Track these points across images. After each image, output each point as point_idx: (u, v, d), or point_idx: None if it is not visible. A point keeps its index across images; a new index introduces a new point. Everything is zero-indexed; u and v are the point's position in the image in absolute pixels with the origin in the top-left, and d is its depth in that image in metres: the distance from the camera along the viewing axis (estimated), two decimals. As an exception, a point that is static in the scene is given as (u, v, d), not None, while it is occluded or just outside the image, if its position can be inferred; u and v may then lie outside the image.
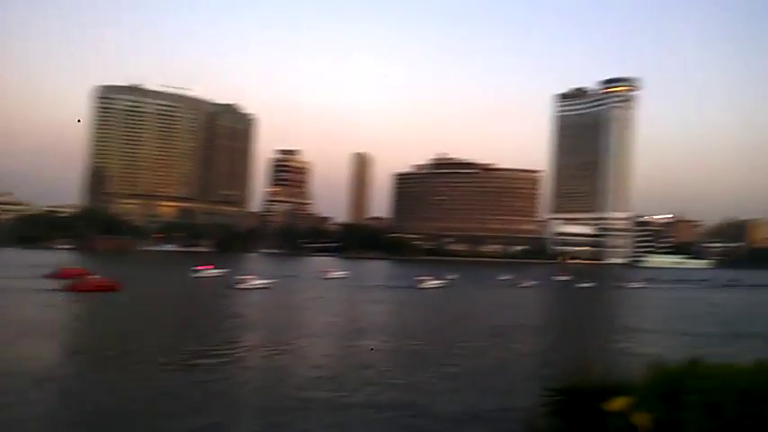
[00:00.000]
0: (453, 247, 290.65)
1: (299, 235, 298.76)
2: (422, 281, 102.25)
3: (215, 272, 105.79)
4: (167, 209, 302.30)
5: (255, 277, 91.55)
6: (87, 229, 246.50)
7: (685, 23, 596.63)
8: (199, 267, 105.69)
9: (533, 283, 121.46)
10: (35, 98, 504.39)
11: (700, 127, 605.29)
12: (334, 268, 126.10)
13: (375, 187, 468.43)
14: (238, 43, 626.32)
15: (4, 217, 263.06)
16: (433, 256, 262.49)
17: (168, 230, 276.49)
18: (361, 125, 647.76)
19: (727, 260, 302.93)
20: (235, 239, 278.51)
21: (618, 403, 2.38)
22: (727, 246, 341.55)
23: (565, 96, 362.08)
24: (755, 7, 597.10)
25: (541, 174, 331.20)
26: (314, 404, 27.26)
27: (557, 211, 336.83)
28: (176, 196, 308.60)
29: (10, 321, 49.03)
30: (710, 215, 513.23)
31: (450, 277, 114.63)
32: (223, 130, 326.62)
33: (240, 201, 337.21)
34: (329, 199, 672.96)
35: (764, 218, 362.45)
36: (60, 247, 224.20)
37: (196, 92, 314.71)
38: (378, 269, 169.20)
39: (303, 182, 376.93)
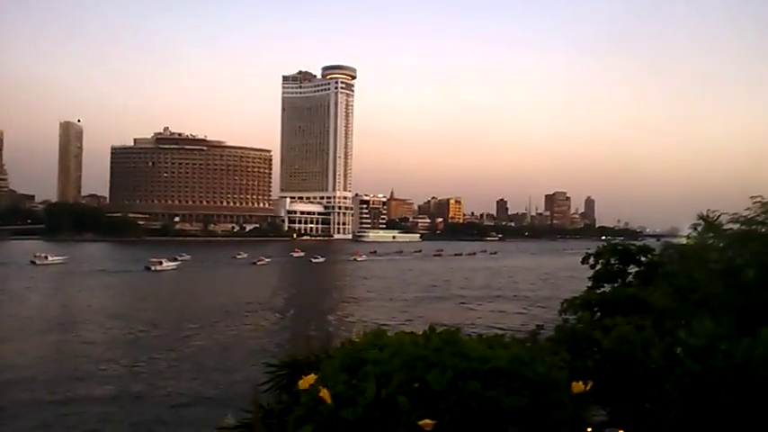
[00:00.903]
0: (183, 226, 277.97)
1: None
2: (154, 263, 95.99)
3: None
4: None
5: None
6: None
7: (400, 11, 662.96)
8: None
9: (269, 260, 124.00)
10: None
11: (411, 114, 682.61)
12: (48, 252, 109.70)
13: (90, 162, 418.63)
14: None
15: None
16: (161, 236, 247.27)
17: None
18: (69, 93, 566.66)
19: (432, 233, 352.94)
20: None
21: (307, 380, 2.75)
22: (431, 221, 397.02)
23: (291, 79, 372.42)
24: None
25: (272, 153, 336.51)
26: (11, 407, 24.30)
27: (288, 190, 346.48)
28: None
29: None
30: (419, 195, 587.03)
31: (184, 258, 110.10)
32: None
33: None
34: (32, 175, 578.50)
35: (458, 197, 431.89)
36: None
37: None
38: (99, 253, 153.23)
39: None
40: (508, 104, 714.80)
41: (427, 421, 2.37)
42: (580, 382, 2.90)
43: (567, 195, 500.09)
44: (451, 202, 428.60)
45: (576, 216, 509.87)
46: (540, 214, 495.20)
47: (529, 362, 2.80)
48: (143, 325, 44.57)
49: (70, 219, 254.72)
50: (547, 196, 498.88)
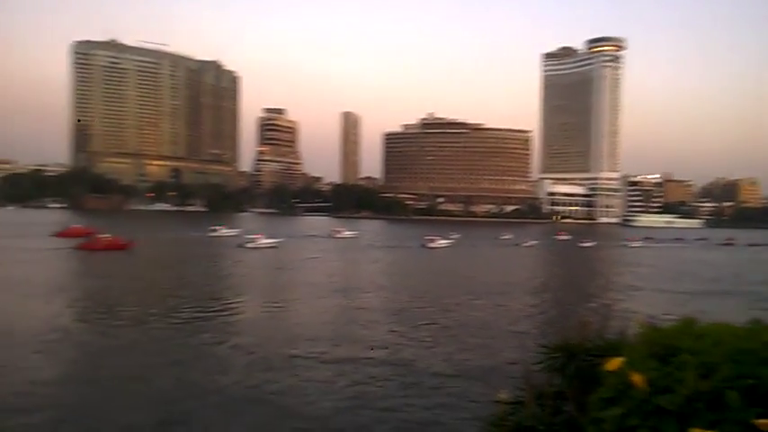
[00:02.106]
0: (445, 206, 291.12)
1: (291, 194, 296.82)
2: (429, 240, 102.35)
3: (227, 231, 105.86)
4: (156, 168, 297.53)
5: (263, 236, 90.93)
6: (76, 188, 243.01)
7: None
8: (214, 227, 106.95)
9: (534, 242, 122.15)
10: (16, 56, 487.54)
11: (688, 87, 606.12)
12: (342, 228, 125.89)
13: (365, 147, 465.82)
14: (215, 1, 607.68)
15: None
16: (426, 215, 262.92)
17: (159, 190, 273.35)
18: (349, 85, 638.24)
19: (717, 220, 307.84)
20: (226, 199, 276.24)
21: (614, 363, 2.46)
22: (716, 205, 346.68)
23: (552, 56, 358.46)
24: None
25: (532, 134, 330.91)
26: (300, 359, 26.90)
27: (548, 171, 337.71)
28: (165, 155, 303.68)
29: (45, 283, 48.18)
30: (699, 176, 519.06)
31: (453, 236, 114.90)
32: (207, 88, 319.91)
33: (229, 160, 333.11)
34: (319, 159, 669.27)
35: (753, 178, 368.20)
36: (52, 206, 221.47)
37: (173, 49, 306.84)
38: (377, 229, 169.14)
39: (291, 141, 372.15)
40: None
41: (766, 421, 2.15)
42: None
43: None
44: (743, 183, 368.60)
45: None
46: None
47: None
48: (411, 296, 47.28)
49: (350, 198, 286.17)
50: None
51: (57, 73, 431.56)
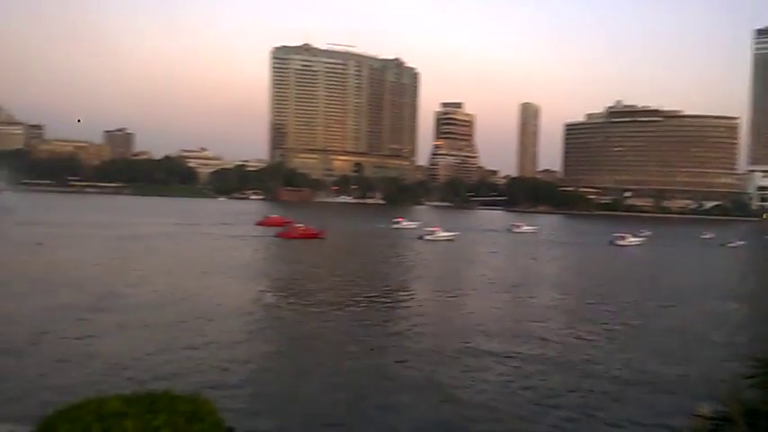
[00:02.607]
0: (633, 201, 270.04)
1: (466, 188, 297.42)
2: (618, 237, 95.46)
3: (408, 224, 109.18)
4: (340, 163, 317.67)
5: (440, 229, 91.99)
6: (272, 181, 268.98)
7: None
8: (398, 219, 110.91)
9: (741, 242, 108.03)
10: (224, 62, 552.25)
11: None
12: (521, 222, 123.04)
13: (544, 139, 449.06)
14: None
15: (201, 171, 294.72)
16: (610, 211, 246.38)
17: (342, 183, 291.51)
18: (526, 76, 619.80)
19: None
20: (403, 192, 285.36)
21: None
22: None
23: (765, 32, 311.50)
24: None
25: (739, 120, 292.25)
26: (472, 352, 26.07)
27: (758, 163, 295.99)
28: (348, 150, 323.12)
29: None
30: None
31: (645, 234, 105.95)
32: (388, 85, 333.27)
33: (407, 154, 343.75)
34: (495, 152, 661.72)
35: None
36: (252, 197, 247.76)
37: (360, 48, 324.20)
38: (558, 224, 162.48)
39: (468, 135, 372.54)
40: None
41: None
42: None
43: None
44: None
45: None
46: None
47: None
48: (596, 296, 44.05)
49: (526, 192, 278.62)
50: None
51: (258, 76, 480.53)
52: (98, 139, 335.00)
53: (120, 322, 28.54)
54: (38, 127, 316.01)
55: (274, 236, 79.44)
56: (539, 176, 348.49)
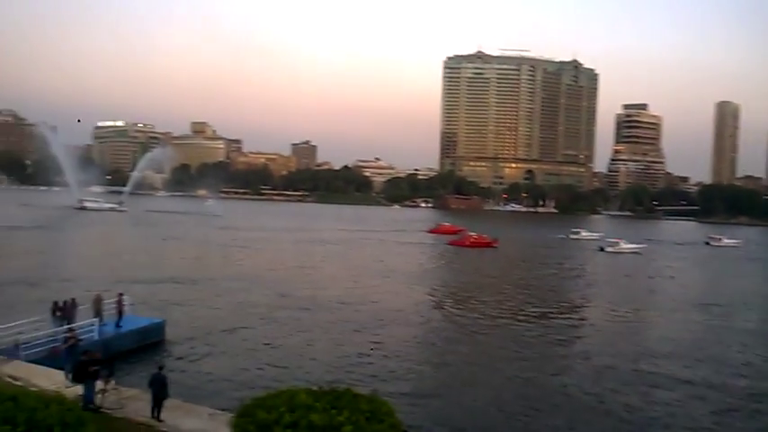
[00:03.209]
0: None
1: (650, 196, 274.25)
2: None
3: (588, 234, 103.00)
4: (511, 170, 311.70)
5: (624, 241, 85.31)
6: (442, 189, 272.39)
7: None
8: (575, 230, 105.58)
9: None
10: (396, 72, 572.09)
11: None
12: (722, 235, 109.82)
13: (745, 142, 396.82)
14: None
15: (375, 179, 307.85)
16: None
17: (513, 191, 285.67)
18: (722, 72, 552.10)
19: None
20: (577, 200, 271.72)
21: None
22: None
23: None
24: None
25: None
26: (649, 375, 23.81)
27: None
28: (519, 158, 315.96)
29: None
30: None
31: None
32: (564, 89, 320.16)
33: (584, 161, 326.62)
34: (685, 156, 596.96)
35: None
36: (423, 205, 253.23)
37: (534, 53, 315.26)
38: (763, 238, 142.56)
39: (654, 138, 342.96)
40: None
41: None
42: None
43: None
44: None
45: None
46: None
47: None
48: None
49: (724, 200, 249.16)
50: None
51: (431, 86, 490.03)
52: (286, 151, 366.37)
53: (320, 321, 30.63)
54: (237, 141, 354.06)
55: (447, 243, 79.86)
56: (738, 183, 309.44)
